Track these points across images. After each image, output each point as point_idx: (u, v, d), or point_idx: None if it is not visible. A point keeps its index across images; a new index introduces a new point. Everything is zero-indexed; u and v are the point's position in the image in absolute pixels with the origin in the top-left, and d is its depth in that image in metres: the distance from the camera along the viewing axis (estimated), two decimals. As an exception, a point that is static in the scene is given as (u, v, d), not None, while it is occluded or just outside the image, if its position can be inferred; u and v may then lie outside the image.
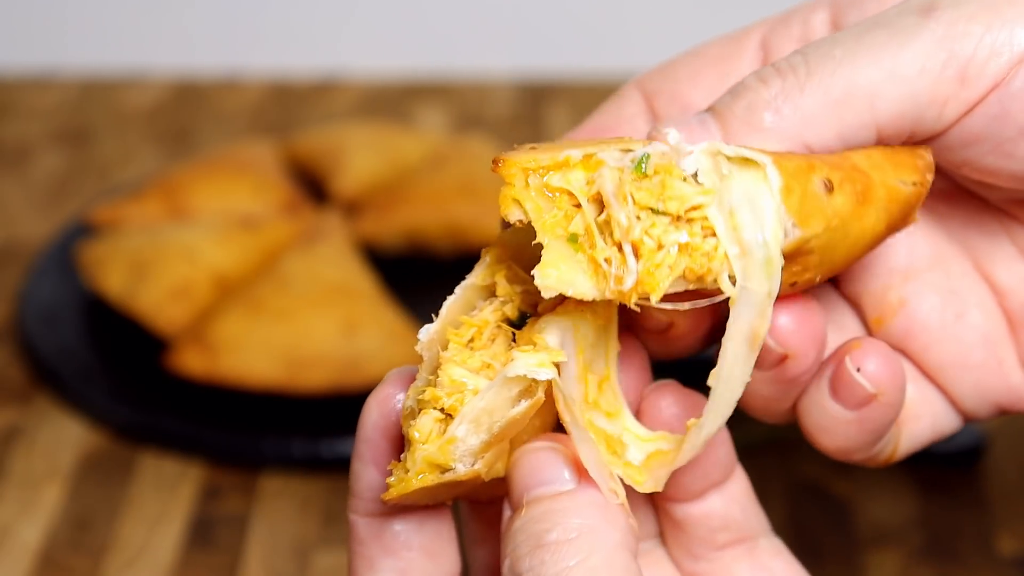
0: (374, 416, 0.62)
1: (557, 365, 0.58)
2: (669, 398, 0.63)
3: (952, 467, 1.07)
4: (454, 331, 0.60)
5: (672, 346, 0.64)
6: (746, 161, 0.57)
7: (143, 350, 1.15)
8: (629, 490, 0.60)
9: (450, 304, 0.61)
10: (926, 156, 0.61)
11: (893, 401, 0.62)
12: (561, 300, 0.60)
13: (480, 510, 0.67)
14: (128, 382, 1.13)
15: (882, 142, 0.61)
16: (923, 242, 0.66)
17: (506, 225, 0.60)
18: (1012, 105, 0.59)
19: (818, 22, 0.65)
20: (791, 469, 1.06)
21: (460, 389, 0.59)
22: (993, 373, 0.66)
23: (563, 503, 0.58)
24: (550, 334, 0.59)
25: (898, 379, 0.62)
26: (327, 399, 1.11)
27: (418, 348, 0.61)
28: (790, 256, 0.58)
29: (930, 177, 0.61)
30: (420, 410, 0.59)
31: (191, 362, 1.11)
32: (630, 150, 0.58)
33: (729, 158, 0.57)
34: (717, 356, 0.58)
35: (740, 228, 0.57)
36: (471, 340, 0.60)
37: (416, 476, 0.58)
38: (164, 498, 1.06)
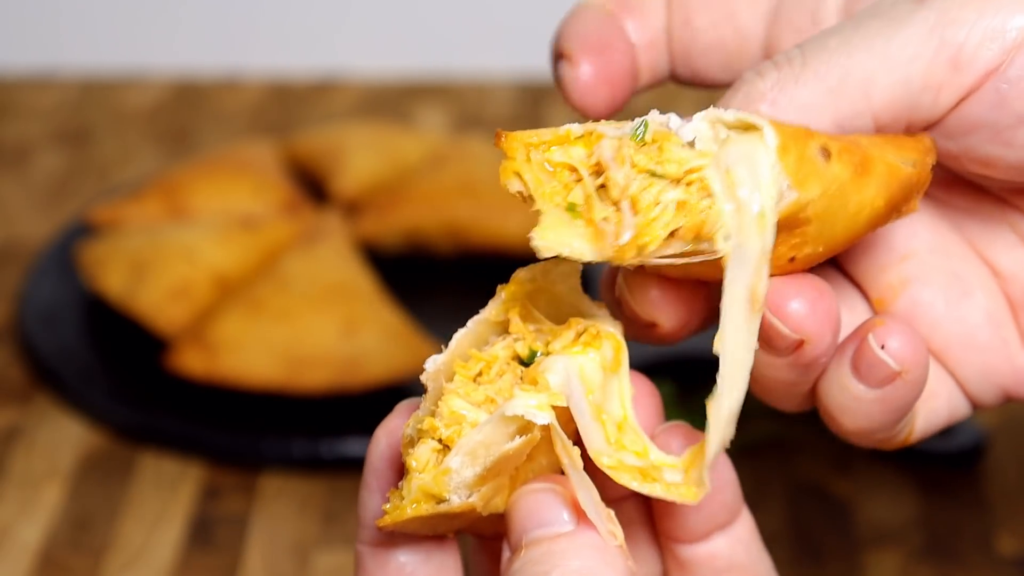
0: (382, 446, 0.62)
1: (556, 408, 0.58)
2: (680, 439, 0.63)
3: (952, 467, 1.07)
4: (462, 364, 0.60)
5: (656, 339, 0.64)
6: (745, 127, 0.57)
7: (143, 350, 1.15)
8: (629, 531, 0.60)
9: (460, 337, 0.61)
10: (927, 140, 0.61)
11: (917, 378, 0.62)
12: (573, 340, 0.60)
13: (485, 545, 0.67)
14: (128, 382, 1.13)
15: (880, 131, 0.61)
16: (923, 228, 0.66)
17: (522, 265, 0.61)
18: (1009, 92, 0.59)
19: (831, 4, 0.65)
20: (791, 469, 1.06)
21: (459, 421, 0.59)
22: (999, 354, 0.65)
23: (562, 545, 0.58)
24: (553, 373, 0.59)
25: (922, 356, 0.61)
26: (327, 399, 1.11)
27: (423, 378, 0.61)
28: (787, 224, 0.58)
29: (930, 160, 0.61)
30: (419, 439, 0.59)
31: (191, 362, 1.11)
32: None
33: (728, 124, 0.58)
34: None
35: (736, 185, 0.57)
36: (479, 374, 0.60)
37: (411, 504, 0.59)
38: (164, 498, 1.06)
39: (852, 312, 0.66)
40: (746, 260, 0.57)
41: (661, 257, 0.58)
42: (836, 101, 0.60)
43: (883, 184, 0.60)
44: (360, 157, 1.29)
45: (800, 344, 0.60)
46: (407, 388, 1.11)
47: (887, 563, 1.00)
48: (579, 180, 0.58)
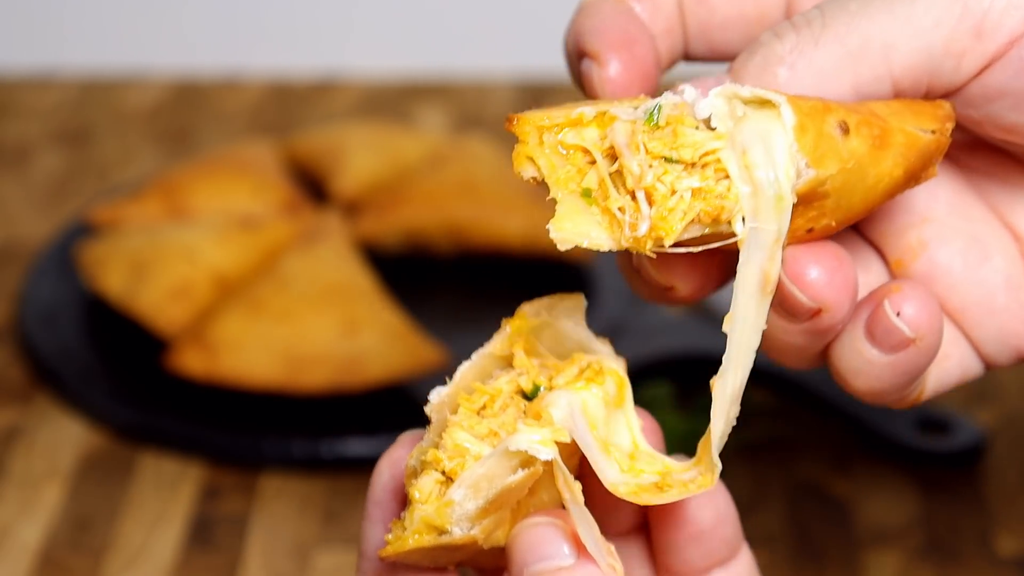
0: (385, 477, 0.62)
1: (558, 443, 0.58)
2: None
3: (952, 467, 1.06)
4: (466, 396, 0.60)
5: (673, 302, 0.64)
6: (762, 103, 0.57)
7: (143, 350, 1.15)
8: (630, 566, 0.61)
9: (464, 370, 0.61)
10: (946, 106, 0.61)
11: (931, 345, 0.61)
12: (576, 376, 0.60)
13: None
14: (128, 382, 1.13)
15: (900, 96, 0.60)
16: (944, 190, 0.65)
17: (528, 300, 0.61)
18: None
19: None
20: (791, 469, 1.06)
21: (462, 454, 0.59)
22: (1016, 317, 0.65)
23: None
24: (556, 408, 0.59)
25: (936, 323, 0.61)
26: (327, 399, 1.11)
27: (427, 410, 0.61)
28: (805, 199, 0.57)
29: (950, 126, 0.60)
30: (422, 471, 0.60)
31: (191, 362, 1.11)
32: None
33: (745, 100, 0.57)
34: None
35: (752, 167, 0.56)
36: (483, 407, 0.60)
37: (413, 535, 0.59)
38: (164, 498, 1.06)
39: (868, 272, 0.65)
40: (761, 243, 0.57)
41: (678, 243, 0.57)
42: (855, 66, 0.59)
43: (901, 154, 0.59)
44: (360, 157, 1.28)
45: (817, 312, 0.60)
46: (407, 388, 1.11)
47: (887, 563, 1.00)
48: (593, 163, 0.58)
